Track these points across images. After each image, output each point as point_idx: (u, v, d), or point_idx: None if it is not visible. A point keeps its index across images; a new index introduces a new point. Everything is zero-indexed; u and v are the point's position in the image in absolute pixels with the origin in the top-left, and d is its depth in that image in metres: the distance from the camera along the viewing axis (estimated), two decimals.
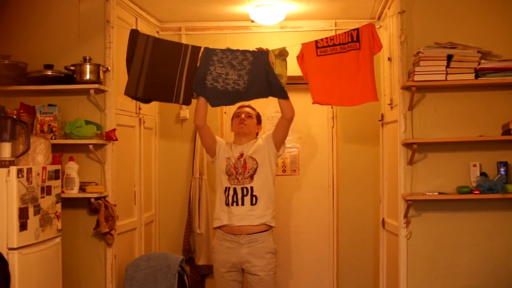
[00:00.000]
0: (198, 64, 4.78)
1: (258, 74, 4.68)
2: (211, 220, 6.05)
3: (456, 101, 4.55)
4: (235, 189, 4.48)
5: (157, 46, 4.75)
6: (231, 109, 6.22)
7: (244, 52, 4.71)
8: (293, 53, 4.82)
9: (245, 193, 4.47)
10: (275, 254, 4.50)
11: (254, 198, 4.46)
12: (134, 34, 4.76)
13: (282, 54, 4.67)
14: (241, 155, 4.55)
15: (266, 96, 4.72)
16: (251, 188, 4.47)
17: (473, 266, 4.53)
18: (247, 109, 4.77)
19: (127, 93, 4.70)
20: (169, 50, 4.77)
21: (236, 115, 4.76)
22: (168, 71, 4.74)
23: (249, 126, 4.69)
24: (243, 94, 4.67)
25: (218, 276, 4.53)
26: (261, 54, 4.69)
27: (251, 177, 4.49)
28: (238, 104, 4.73)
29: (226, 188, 4.51)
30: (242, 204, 4.45)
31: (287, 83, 4.64)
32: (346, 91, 4.71)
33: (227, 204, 4.47)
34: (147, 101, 4.97)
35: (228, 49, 4.69)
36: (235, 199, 4.46)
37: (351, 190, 6.23)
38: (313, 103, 4.76)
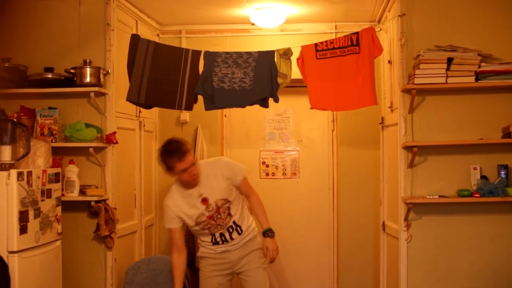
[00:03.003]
0: (199, 69, 4.82)
1: (263, 72, 4.74)
2: None
3: (456, 104, 4.55)
4: (221, 234, 4.25)
5: (157, 51, 4.78)
6: (231, 112, 6.26)
7: (249, 51, 4.78)
8: (293, 56, 4.85)
9: (231, 230, 4.25)
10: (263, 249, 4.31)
11: (238, 228, 4.27)
12: (135, 39, 4.79)
13: (287, 53, 4.74)
14: (205, 200, 4.16)
15: (270, 95, 4.76)
16: (234, 223, 4.25)
17: (474, 269, 4.52)
18: (187, 165, 4.06)
19: (129, 99, 4.75)
20: (170, 55, 4.81)
21: (182, 171, 4.06)
22: (169, 77, 4.78)
23: (198, 174, 4.15)
24: (249, 92, 4.71)
25: (205, 278, 4.35)
26: (267, 53, 4.76)
27: (229, 214, 4.24)
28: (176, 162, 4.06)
29: (211, 235, 4.26)
30: (231, 239, 4.27)
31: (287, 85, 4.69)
32: (345, 95, 4.73)
33: (215, 243, 4.28)
34: (149, 107, 5.01)
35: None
36: (224, 238, 4.26)
37: (351, 193, 6.22)
38: (311, 108, 4.79)
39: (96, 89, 4.74)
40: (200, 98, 4.90)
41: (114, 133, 4.86)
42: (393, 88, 5.03)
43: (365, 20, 5.90)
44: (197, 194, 4.16)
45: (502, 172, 4.44)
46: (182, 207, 4.18)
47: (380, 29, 5.64)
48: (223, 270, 4.32)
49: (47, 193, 4.23)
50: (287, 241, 6.32)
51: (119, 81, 5.00)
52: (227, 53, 4.86)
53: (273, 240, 4.22)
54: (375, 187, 5.87)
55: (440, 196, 4.46)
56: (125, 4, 5.20)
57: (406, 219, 4.56)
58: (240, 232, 4.27)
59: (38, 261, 4.11)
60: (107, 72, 4.86)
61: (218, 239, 4.25)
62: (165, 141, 4.23)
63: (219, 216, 4.19)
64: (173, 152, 4.04)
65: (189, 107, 4.88)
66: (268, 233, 4.24)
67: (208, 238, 4.27)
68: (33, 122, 4.77)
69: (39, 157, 4.38)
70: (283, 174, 6.39)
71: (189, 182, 4.13)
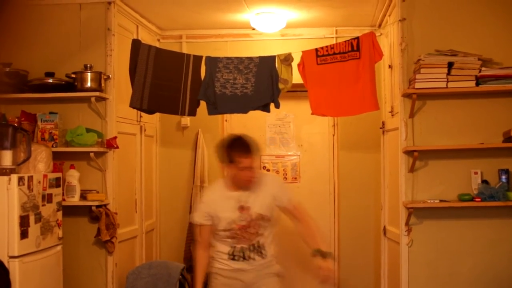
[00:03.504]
0: (201, 74, 4.84)
1: (264, 77, 4.75)
2: None
3: (457, 109, 4.55)
4: (242, 249, 3.85)
5: (159, 57, 4.80)
6: (232, 117, 6.26)
7: (250, 57, 4.79)
8: (294, 61, 4.86)
9: (252, 249, 3.86)
10: (281, 277, 4.04)
11: (262, 250, 3.89)
12: (136, 44, 4.81)
13: (287, 59, 4.75)
14: (242, 208, 3.80)
15: (271, 100, 4.78)
16: (258, 243, 3.87)
17: (475, 274, 4.52)
18: (252, 164, 3.78)
19: (133, 105, 4.77)
20: (171, 61, 4.83)
21: (242, 168, 3.74)
22: (172, 83, 4.80)
23: (255, 178, 3.83)
24: (251, 98, 4.71)
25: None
26: (268, 58, 4.76)
27: (258, 233, 3.87)
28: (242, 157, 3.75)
29: (231, 247, 3.87)
30: (251, 258, 3.87)
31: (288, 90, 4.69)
32: (346, 100, 4.74)
33: (233, 259, 3.88)
34: (152, 112, 5.02)
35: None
36: (243, 255, 3.86)
37: (352, 197, 6.22)
38: (312, 114, 4.80)
39: (97, 94, 4.74)
40: (202, 103, 4.91)
41: (115, 137, 4.86)
42: (394, 93, 5.03)
43: (365, 25, 5.91)
44: (237, 200, 3.82)
45: (503, 177, 4.44)
46: (217, 208, 3.83)
47: (381, 33, 5.65)
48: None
49: (48, 198, 4.23)
50: (288, 246, 6.30)
51: (120, 86, 5.00)
52: (228, 58, 4.87)
53: (325, 260, 3.83)
54: (376, 192, 5.87)
55: (441, 201, 4.46)
56: (126, 9, 5.21)
57: (407, 223, 4.56)
58: (261, 254, 3.88)
59: (38, 266, 4.11)
60: (108, 77, 4.87)
61: (237, 254, 3.86)
62: (234, 134, 3.98)
63: (248, 230, 3.82)
64: (245, 146, 3.74)
65: (192, 113, 4.91)
66: (320, 252, 3.87)
67: (227, 249, 3.87)
68: (34, 127, 4.77)
69: (40, 162, 4.39)
70: (284, 178, 6.38)
71: (242, 183, 3.79)
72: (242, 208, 3.81)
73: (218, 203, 3.85)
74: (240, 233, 3.82)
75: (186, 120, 6.18)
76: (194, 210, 4.05)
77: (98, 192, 4.86)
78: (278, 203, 3.94)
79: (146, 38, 5.64)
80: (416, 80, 4.37)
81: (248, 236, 3.84)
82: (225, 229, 3.83)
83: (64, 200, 4.63)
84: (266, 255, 3.91)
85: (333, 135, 6.31)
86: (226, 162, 3.78)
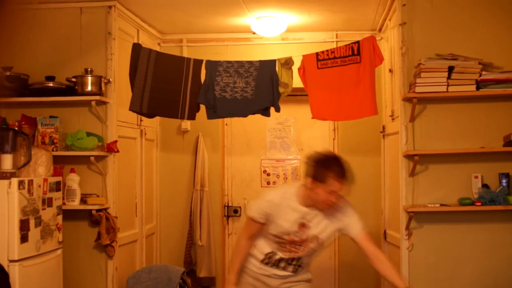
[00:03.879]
0: (201, 78, 4.84)
1: (264, 81, 4.75)
2: (212, 232, 6.06)
3: (457, 113, 4.55)
4: (280, 258, 3.70)
5: (159, 61, 4.81)
6: (232, 121, 6.27)
7: (250, 61, 4.80)
8: (294, 65, 4.86)
9: (290, 262, 3.72)
10: (309, 282, 3.91)
11: (299, 267, 3.75)
12: (137, 48, 4.82)
13: (288, 63, 4.76)
14: (303, 226, 3.59)
15: (271, 104, 4.78)
16: (299, 258, 3.72)
17: (475, 278, 4.51)
18: (341, 191, 3.54)
19: (132, 108, 4.77)
20: (171, 65, 4.84)
21: (330, 191, 3.47)
22: (172, 87, 4.80)
23: (335, 205, 3.59)
24: (251, 102, 4.71)
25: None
26: (268, 62, 4.76)
27: (305, 253, 3.70)
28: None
29: (272, 251, 3.72)
30: (284, 269, 3.73)
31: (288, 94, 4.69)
32: (346, 104, 4.74)
33: (267, 263, 3.74)
34: (152, 116, 5.02)
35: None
36: (278, 264, 3.73)
37: (353, 201, 6.13)
38: (312, 118, 4.81)
39: (97, 97, 4.74)
40: (202, 107, 4.91)
41: (115, 141, 4.86)
42: (394, 97, 5.03)
43: (366, 29, 5.91)
44: (302, 216, 3.59)
45: (504, 181, 4.43)
46: (281, 212, 3.59)
47: (381, 38, 5.66)
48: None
49: (48, 202, 4.23)
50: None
51: (120, 90, 5.00)
52: (229, 62, 4.88)
53: None
54: (376, 196, 5.86)
55: (441, 205, 4.46)
56: (126, 13, 5.21)
57: (407, 227, 4.55)
58: (296, 271, 3.74)
59: (39, 270, 4.10)
60: (108, 81, 4.87)
61: (272, 261, 3.72)
62: (333, 154, 3.79)
63: (296, 247, 3.65)
64: (344, 171, 3.51)
65: (191, 117, 4.90)
66: None
67: (266, 250, 3.72)
68: (34, 131, 4.77)
69: (40, 165, 4.39)
70: (284, 182, 6.38)
71: (320, 204, 3.53)
72: (303, 226, 3.59)
73: (282, 209, 3.60)
74: (289, 246, 3.64)
75: (186, 124, 6.17)
76: (254, 203, 3.79)
77: (98, 196, 4.85)
78: (347, 232, 3.70)
79: (147, 42, 5.65)
80: (417, 84, 4.37)
81: (293, 251, 3.66)
82: (275, 235, 3.64)
83: (64, 204, 4.63)
84: (300, 273, 3.77)
85: (334, 139, 6.30)
86: (314, 179, 3.49)
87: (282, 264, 3.71)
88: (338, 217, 3.63)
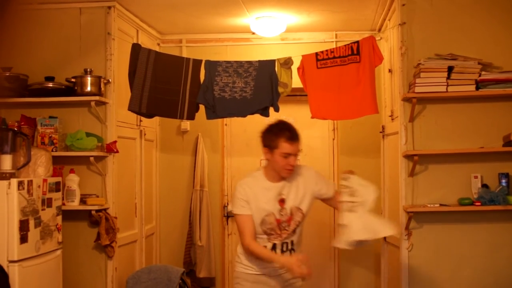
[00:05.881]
0: (200, 78, 4.85)
1: (264, 81, 4.75)
2: (211, 232, 6.06)
3: (457, 113, 4.55)
4: (274, 245, 3.64)
5: (158, 61, 4.81)
6: (232, 121, 6.26)
7: (249, 61, 4.80)
8: (294, 65, 4.86)
9: (284, 248, 3.67)
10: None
11: (292, 251, 3.70)
12: (136, 49, 4.82)
13: (287, 63, 4.76)
14: (282, 201, 3.62)
15: (270, 104, 4.78)
16: (291, 242, 3.69)
17: (475, 278, 4.51)
18: (294, 151, 3.59)
19: (131, 108, 4.77)
20: (171, 65, 4.84)
21: (284, 155, 3.55)
22: (171, 87, 4.80)
23: (295, 167, 3.64)
24: (250, 102, 4.71)
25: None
26: (267, 62, 4.76)
27: (294, 231, 3.68)
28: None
29: (263, 246, 3.63)
30: None
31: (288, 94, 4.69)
32: (346, 104, 4.75)
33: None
34: (151, 116, 5.02)
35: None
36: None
37: None
38: (312, 117, 4.80)
39: (97, 98, 4.74)
40: (202, 107, 4.92)
41: (115, 142, 4.86)
42: (394, 97, 5.03)
43: (365, 29, 5.92)
44: (277, 192, 3.62)
45: (503, 181, 4.43)
46: (258, 195, 3.60)
47: (381, 38, 5.66)
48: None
49: (47, 202, 4.23)
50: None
51: (119, 90, 5.00)
52: (228, 62, 4.88)
53: None
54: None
55: (441, 205, 4.46)
56: (126, 14, 5.22)
57: (407, 227, 4.55)
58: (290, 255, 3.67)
59: (38, 271, 4.10)
60: (108, 81, 4.87)
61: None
62: (280, 119, 3.71)
63: (287, 227, 3.64)
64: (290, 131, 3.56)
65: (190, 117, 4.90)
66: None
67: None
68: (33, 131, 4.77)
69: (40, 166, 4.39)
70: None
71: (282, 171, 3.58)
72: (283, 201, 3.62)
73: (258, 192, 3.63)
74: (278, 230, 3.62)
75: (186, 124, 6.17)
76: (232, 201, 3.79)
77: (98, 197, 4.86)
78: (323, 194, 3.79)
79: (146, 43, 5.65)
80: (416, 84, 4.36)
81: (284, 234, 3.64)
82: (262, 222, 3.61)
83: (64, 204, 4.63)
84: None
85: (333, 139, 6.31)
86: (267, 148, 3.59)
87: (278, 252, 3.64)
88: (310, 184, 3.72)
